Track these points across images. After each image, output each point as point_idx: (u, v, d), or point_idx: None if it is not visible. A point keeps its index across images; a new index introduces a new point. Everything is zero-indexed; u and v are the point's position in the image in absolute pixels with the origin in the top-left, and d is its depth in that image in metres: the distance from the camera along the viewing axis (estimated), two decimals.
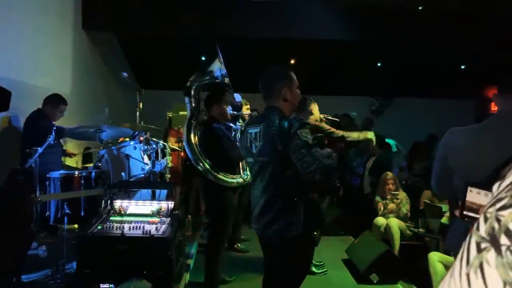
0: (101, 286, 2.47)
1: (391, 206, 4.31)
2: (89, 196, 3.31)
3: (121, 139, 4.44)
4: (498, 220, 0.42)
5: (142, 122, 4.12)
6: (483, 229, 0.44)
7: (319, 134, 3.40)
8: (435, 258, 3.06)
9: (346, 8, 6.15)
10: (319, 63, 7.76)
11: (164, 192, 3.57)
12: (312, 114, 3.54)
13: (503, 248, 0.41)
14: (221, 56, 3.24)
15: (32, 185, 3.08)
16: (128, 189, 3.39)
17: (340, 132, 3.61)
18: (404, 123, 7.93)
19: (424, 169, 4.92)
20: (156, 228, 2.63)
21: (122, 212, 2.88)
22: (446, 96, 8.54)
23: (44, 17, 4.86)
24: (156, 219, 2.77)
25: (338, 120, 4.40)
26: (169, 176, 4.41)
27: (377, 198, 4.48)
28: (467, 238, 0.45)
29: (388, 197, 4.37)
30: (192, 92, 3.29)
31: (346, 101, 8.39)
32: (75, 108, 4.89)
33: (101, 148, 3.79)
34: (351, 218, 5.25)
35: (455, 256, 0.50)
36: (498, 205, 0.44)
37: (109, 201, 2.92)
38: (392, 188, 4.38)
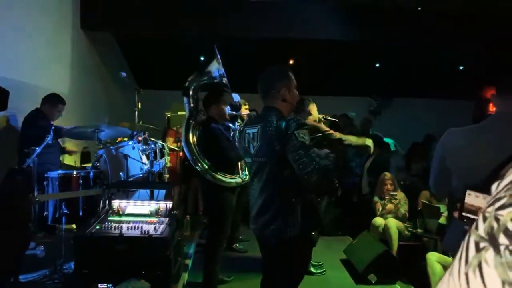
0: (99, 286, 2.46)
1: (389, 206, 4.31)
2: (87, 196, 3.31)
3: (119, 139, 4.44)
4: (497, 220, 0.42)
5: (140, 122, 4.12)
6: (482, 228, 0.43)
7: (318, 134, 3.40)
8: (433, 258, 3.06)
9: (346, 8, 6.15)
10: (319, 63, 7.76)
11: (163, 192, 3.57)
12: (310, 114, 3.54)
13: (502, 248, 0.40)
14: (219, 56, 3.24)
15: (30, 185, 3.07)
16: (127, 189, 3.38)
17: (338, 135, 3.60)
18: (404, 123, 7.93)
19: (422, 169, 4.93)
20: (155, 228, 2.63)
21: (121, 212, 2.88)
22: (446, 96, 8.55)
23: (43, 17, 4.86)
24: (154, 219, 2.76)
25: (336, 120, 4.40)
26: (167, 176, 4.41)
27: (376, 199, 4.48)
28: (466, 238, 0.45)
29: (386, 197, 4.38)
30: (191, 92, 3.29)
31: (345, 101, 8.39)
32: (73, 108, 4.88)
33: (101, 147, 3.79)
34: (349, 218, 5.25)
35: (453, 256, 0.49)
36: (497, 205, 0.43)
37: (107, 201, 2.91)
38: (391, 188, 4.39)
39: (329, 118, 3.96)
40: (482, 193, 1.29)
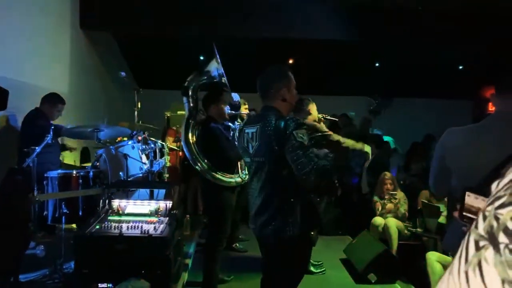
0: (99, 286, 2.46)
1: (389, 206, 4.31)
2: (87, 196, 3.31)
3: (119, 139, 4.44)
4: (497, 218, 0.42)
5: (140, 122, 4.12)
6: (481, 227, 0.44)
7: (318, 134, 3.39)
8: (433, 257, 3.06)
9: (346, 8, 6.15)
10: (319, 63, 7.76)
11: (162, 191, 3.57)
12: (310, 114, 3.54)
13: (502, 246, 0.41)
14: (218, 55, 3.24)
15: (30, 184, 3.07)
16: (126, 188, 3.39)
17: (337, 137, 3.59)
18: (404, 123, 7.94)
19: (422, 169, 4.93)
20: (154, 228, 2.63)
21: (120, 211, 2.88)
22: (446, 96, 8.56)
23: (43, 17, 4.85)
24: (154, 219, 2.77)
25: (336, 120, 4.40)
26: (167, 175, 4.41)
27: (375, 198, 4.48)
28: (466, 236, 0.45)
29: (386, 197, 4.38)
30: (190, 92, 3.29)
31: (345, 101, 8.40)
32: (72, 107, 4.88)
33: (101, 146, 3.79)
34: (349, 218, 5.25)
35: (453, 255, 0.49)
36: (497, 203, 0.44)
37: (107, 201, 2.92)
38: (390, 188, 4.39)
39: (329, 117, 3.96)
40: (480, 195, 1.29)
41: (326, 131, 3.54)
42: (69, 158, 4.68)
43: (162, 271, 2.49)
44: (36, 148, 3.10)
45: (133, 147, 3.72)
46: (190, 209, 5.65)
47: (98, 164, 3.69)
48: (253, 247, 3.39)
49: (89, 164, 4.26)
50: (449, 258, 2.87)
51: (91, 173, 3.42)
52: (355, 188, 5.53)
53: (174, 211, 2.89)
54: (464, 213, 1.34)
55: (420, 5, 6.04)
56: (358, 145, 3.90)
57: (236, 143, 3.01)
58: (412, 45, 6.95)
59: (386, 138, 6.04)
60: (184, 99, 3.31)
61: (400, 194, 4.37)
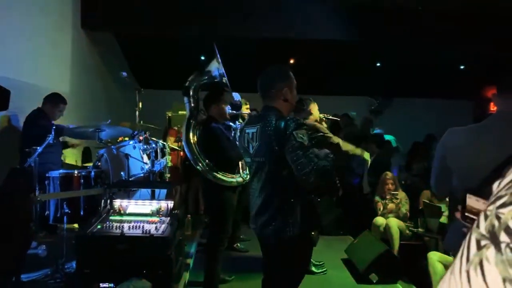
0: (101, 286, 2.47)
1: (391, 206, 4.31)
2: (89, 196, 3.31)
3: (120, 139, 4.44)
4: (498, 218, 0.43)
5: (141, 122, 4.12)
6: (483, 226, 0.44)
7: (320, 134, 3.39)
8: (435, 257, 3.07)
9: (346, 8, 6.15)
10: (319, 63, 7.76)
11: (164, 191, 3.58)
12: (311, 114, 3.54)
13: (503, 245, 0.41)
14: (218, 55, 3.24)
15: (32, 184, 3.07)
16: (128, 188, 3.39)
17: (337, 139, 3.58)
18: (404, 123, 7.93)
19: (423, 169, 4.93)
20: (156, 228, 2.63)
21: (122, 211, 2.88)
22: (446, 96, 8.55)
23: (44, 17, 4.86)
24: (155, 219, 2.77)
25: (338, 119, 4.40)
26: (168, 175, 4.41)
27: (377, 198, 4.48)
28: (467, 236, 0.46)
29: (387, 197, 4.38)
30: (191, 92, 3.29)
31: (346, 101, 8.40)
32: (74, 107, 4.89)
33: (102, 146, 3.79)
34: (350, 218, 5.24)
35: (454, 255, 0.50)
36: (498, 203, 0.44)
37: (108, 201, 2.92)
38: (392, 188, 4.39)
39: (331, 117, 3.96)
40: (481, 196, 1.29)
41: (326, 133, 3.54)
42: (70, 158, 4.69)
43: (163, 271, 2.50)
44: (38, 148, 3.10)
45: (134, 147, 3.73)
46: (192, 209, 5.66)
47: (99, 164, 3.70)
48: (254, 247, 3.39)
49: (90, 164, 4.28)
50: (450, 258, 2.87)
51: (92, 173, 3.42)
52: (357, 188, 5.53)
53: (176, 211, 2.90)
54: (467, 214, 1.34)
55: (420, 5, 6.04)
56: (358, 151, 3.89)
57: (237, 143, 3.02)
58: (412, 45, 6.95)
59: (388, 137, 6.03)
60: (185, 99, 3.31)
61: (401, 194, 4.37)
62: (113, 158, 3.62)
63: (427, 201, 4.02)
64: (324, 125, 3.67)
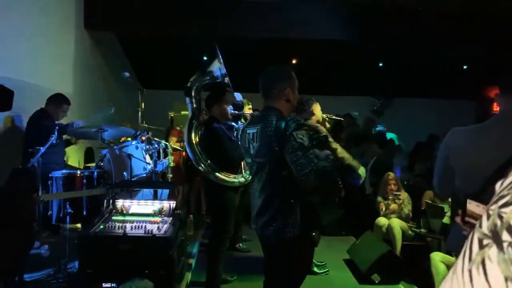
0: (103, 286, 2.47)
1: (393, 206, 4.30)
2: (91, 196, 3.32)
3: (123, 139, 4.45)
4: (501, 217, 0.43)
5: (144, 122, 4.13)
6: (485, 225, 0.44)
7: (323, 134, 3.39)
8: (437, 258, 3.06)
9: (346, 8, 6.14)
10: (319, 63, 7.75)
11: (166, 191, 3.58)
12: (313, 114, 3.53)
13: (505, 244, 0.41)
14: (220, 56, 3.24)
15: (35, 184, 3.09)
16: (130, 188, 3.40)
17: (335, 145, 3.56)
18: (405, 123, 7.92)
19: (426, 169, 4.92)
20: (158, 228, 2.64)
21: (124, 211, 2.89)
22: (447, 96, 8.53)
23: (46, 17, 4.88)
24: (158, 219, 2.77)
25: (341, 119, 4.38)
26: (170, 175, 4.42)
27: (379, 199, 4.47)
28: (470, 235, 0.46)
29: (390, 197, 4.37)
30: (193, 92, 3.30)
31: (347, 101, 8.38)
32: (76, 108, 4.90)
33: (105, 146, 3.80)
34: (352, 218, 5.24)
35: (457, 256, 0.50)
36: (501, 202, 0.44)
37: (111, 201, 2.93)
38: (394, 188, 4.38)
39: (334, 117, 3.95)
40: (482, 199, 1.29)
41: (326, 136, 3.53)
42: (73, 158, 4.70)
43: (165, 271, 2.50)
44: (41, 148, 3.12)
45: (137, 147, 3.74)
46: (194, 209, 5.66)
47: (102, 164, 3.71)
48: (256, 247, 3.39)
49: (93, 164, 4.28)
50: (453, 259, 2.87)
51: (95, 173, 3.43)
52: (358, 189, 5.52)
53: (178, 211, 2.90)
54: (467, 219, 1.35)
55: (420, 5, 6.04)
56: (354, 163, 3.86)
57: (239, 143, 3.02)
58: (412, 45, 6.94)
59: (390, 135, 6.02)
60: (187, 99, 3.31)
61: (404, 195, 4.36)
62: (115, 158, 3.64)
63: (430, 202, 4.01)
64: (327, 125, 3.66)
